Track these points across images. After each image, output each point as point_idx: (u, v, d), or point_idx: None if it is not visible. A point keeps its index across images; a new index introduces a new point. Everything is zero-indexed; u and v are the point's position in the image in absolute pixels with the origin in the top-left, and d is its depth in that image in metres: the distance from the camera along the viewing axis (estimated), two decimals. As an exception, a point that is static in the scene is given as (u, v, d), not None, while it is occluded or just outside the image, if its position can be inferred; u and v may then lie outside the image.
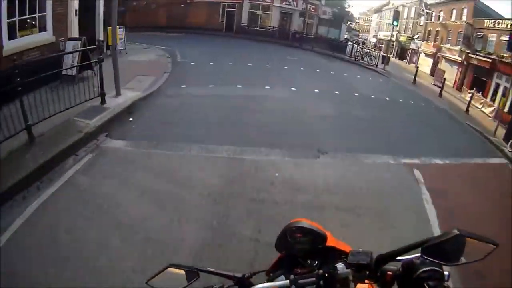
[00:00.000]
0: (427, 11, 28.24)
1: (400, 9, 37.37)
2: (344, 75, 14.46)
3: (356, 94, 10.74)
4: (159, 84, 8.75)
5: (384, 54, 20.83)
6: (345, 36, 31.38)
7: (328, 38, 24.63)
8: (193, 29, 23.60)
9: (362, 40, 35.52)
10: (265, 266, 1.29)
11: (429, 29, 27.84)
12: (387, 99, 11.20)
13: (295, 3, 25.60)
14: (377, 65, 19.81)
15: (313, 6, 26.85)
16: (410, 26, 31.76)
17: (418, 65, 21.34)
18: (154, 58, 12.50)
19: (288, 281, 1.00)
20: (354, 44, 23.02)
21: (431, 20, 27.95)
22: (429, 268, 0.88)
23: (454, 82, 21.41)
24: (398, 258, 0.94)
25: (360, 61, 20.42)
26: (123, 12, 32.76)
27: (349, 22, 31.35)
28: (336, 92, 10.42)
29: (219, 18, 24.98)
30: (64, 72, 7.36)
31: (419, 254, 0.89)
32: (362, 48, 22.24)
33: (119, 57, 12.05)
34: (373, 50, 23.75)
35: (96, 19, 11.00)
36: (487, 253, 0.85)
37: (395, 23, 21.61)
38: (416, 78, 17.48)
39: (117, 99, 6.79)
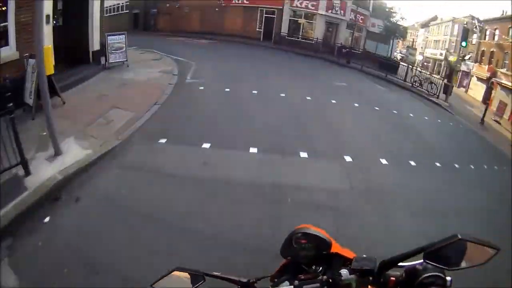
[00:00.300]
0: (480, 27, 24.38)
1: (449, 24, 33.36)
2: (410, 115, 11.14)
3: (457, 166, 7.44)
4: (131, 131, 5.85)
5: (448, 83, 17.39)
6: (397, 54, 27.95)
7: (378, 56, 21.43)
8: (227, 37, 21.51)
9: (415, 59, 31.72)
10: (270, 272, 1.24)
11: (482, 49, 24.05)
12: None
13: (342, 11, 22.67)
14: (438, 95, 16.52)
15: (362, 17, 23.75)
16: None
17: (487, 102, 17.87)
18: (156, 75, 10.00)
19: (292, 286, 1.02)
20: (410, 66, 19.72)
21: (484, 38, 24.07)
22: (431, 274, 0.88)
23: (510, 115, 18.26)
24: (401, 264, 0.94)
25: (418, 87, 17.21)
26: (154, 15, 31.29)
27: (399, 38, 27.78)
28: (412, 163, 6.65)
29: (256, 25, 22.61)
30: (26, 100, 5.85)
31: (421, 261, 0.89)
32: (420, 72, 18.96)
33: (115, 73, 9.63)
34: (434, 76, 20.33)
35: (89, 25, 8.93)
36: (489, 257, 0.84)
37: (463, 43, 18.14)
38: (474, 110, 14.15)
39: (52, 165, 4.38)
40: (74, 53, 8.50)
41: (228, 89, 9.32)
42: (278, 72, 13.37)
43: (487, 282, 3.02)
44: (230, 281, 1.06)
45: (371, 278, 0.96)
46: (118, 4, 42.59)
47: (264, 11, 22.05)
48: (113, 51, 9.84)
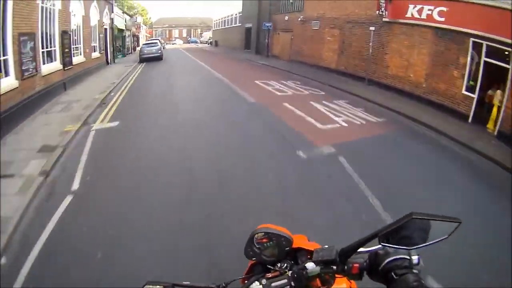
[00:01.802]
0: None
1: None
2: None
3: None
4: None
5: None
6: None
7: None
8: (389, 89, 11.42)
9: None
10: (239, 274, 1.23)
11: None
12: None
13: None
14: None
15: None
16: None
17: None
18: None
19: (261, 286, 1.03)
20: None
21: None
22: (393, 257, 0.88)
23: None
24: (363, 249, 0.94)
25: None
26: (268, 31, 21.68)
27: None
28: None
29: (458, 74, 9.30)
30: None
31: (379, 246, 0.90)
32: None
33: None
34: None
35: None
36: (451, 230, 0.84)
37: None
38: None
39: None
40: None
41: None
42: None
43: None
44: None
45: (335, 267, 0.96)
46: (231, 16, 37.33)
47: (483, 49, 8.32)
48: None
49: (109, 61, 20.26)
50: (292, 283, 1.00)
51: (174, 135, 6.70)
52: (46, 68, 9.30)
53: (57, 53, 10.46)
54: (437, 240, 0.85)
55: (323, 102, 9.67)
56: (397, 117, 8.82)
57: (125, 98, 10.36)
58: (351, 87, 11.98)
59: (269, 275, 1.07)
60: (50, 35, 9.86)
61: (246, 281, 1.12)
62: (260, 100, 9.76)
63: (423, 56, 10.33)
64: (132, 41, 31.45)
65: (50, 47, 9.93)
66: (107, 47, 20.47)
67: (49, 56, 9.87)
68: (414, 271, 0.85)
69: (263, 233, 1.14)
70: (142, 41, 30.48)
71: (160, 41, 28.08)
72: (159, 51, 21.79)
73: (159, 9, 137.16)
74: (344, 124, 7.67)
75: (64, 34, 10.94)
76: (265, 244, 1.13)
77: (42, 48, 9.08)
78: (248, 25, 26.83)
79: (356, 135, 6.92)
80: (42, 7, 8.99)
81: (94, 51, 16.93)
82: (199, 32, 71.92)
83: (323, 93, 11.20)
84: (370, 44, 12.19)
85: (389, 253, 0.89)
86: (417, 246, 0.85)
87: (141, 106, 9.42)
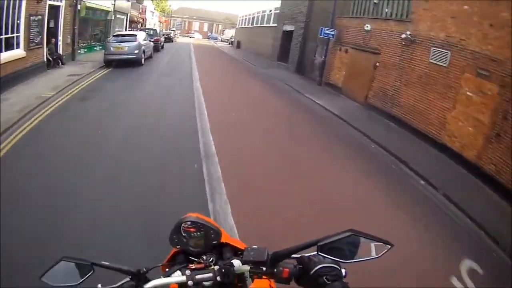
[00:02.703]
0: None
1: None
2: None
3: None
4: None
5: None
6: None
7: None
8: None
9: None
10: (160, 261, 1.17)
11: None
12: None
13: None
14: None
15: None
16: None
17: None
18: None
19: (184, 276, 1.01)
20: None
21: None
22: (326, 265, 0.91)
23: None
24: (294, 256, 0.96)
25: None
26: (324, 46, 8.01)
27: None
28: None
29: None
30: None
31: (315, 253, 0.90)
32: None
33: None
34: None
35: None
36: (383, 252, 0.87)
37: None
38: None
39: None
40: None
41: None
42: None
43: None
44: (120, 271, 1.01)
45: (264, 268, 0.96)
46: (262, 12, 28.78)
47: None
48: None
49: (60, 61, 11.98)
50: (218, 278, 0.99)
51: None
52: None
53: None
54: (369, 258, 0.88)
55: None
56: None
57: None
58: None
59: (193, 266, 1.05)
60: None
61: (167, 269, 1.10)
62: None
63: None
64: (127, 28, 23.13)
65: None
66: (58, 38, 12.26)
67: None
68: (344, 281, 0.90)
69: (191, 222, 1.10)
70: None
71: (150, 34, 19.83)
72: (136, 52, 13.06)
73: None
74: None
75: None
76: (192, 234, 1.10)
77: None
78: (288, 27, 18.24)
79: None
80: None
81: (12, 47, 8.85)
82: (220, 28, 63.67)
83: None
84: None
85: (321, 260, 0.92)
86: (352, 260, 0.88)
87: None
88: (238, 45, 31.46)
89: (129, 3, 23.38)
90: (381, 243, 0.87)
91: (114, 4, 19.39)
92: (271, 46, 21.07)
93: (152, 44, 17.11)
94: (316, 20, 14.54)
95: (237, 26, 34.42)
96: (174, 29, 50.17)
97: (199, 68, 15.38)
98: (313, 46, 14.96)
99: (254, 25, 26.49)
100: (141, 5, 28.21)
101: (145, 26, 29.40)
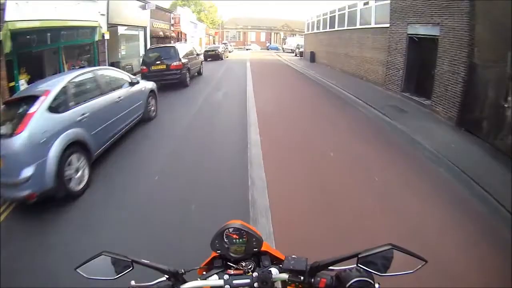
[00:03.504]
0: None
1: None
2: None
3: None
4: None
5: None
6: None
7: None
8: None
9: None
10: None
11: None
12: None
13: None
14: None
15: None
16: None
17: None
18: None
19: (222, 280, 1.01)
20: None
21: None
22: (361, 278, 0.92)
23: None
24: (332, 268, 0.97)
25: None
26: None
27: None
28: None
29: None
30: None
31: (352, 266, 0.93)
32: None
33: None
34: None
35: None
36: (418, 267, 0.89)
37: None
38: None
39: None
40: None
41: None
42: None
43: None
44: (159, 270, 1.01)
45: (302, 278, 0.97)
46: (352, 7, 12.82)
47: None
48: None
49: None
50: (255, 284, 1.00)
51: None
52: None
53: None
54: (404, 273, 0.90)
55: None
56: None
57: None
58: None
59: (231, 271, 1.06)
60: None
61: (204, 272, 1.14)
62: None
63: None
64: (146, 46, 15.29)
65: None
66: None
67: None
68: None
69: (235, 229, 1.12)
70: (187, 47, 13.36)
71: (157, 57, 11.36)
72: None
73: (231, 9, 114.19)
74: None
75: None
76: (234, 240, 1.11)
77: None
78: (422, 30, 8.08)
79: None
80: None
81: None
82: (281, 37, 54.85)
83: None
84: None
85: (357, 275, 0.92)
86: (389, 274, 0.89)
87: None
88: (312, 58, 21.64)
89: (147, 11, 15.65)
90: (417, 257, 0.88)
91: (108, 14, 11.57)
92: (380, 62, 11.03)
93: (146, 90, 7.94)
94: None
95: (306, 32, 24.53)
96: (226, 42, 42.78)
97: (264, 128, 6.61)
98: (495, 76, 4.74)
99: (338, 28, 16.53)
100: (172, 14, 20.66)
101: (181, 41, 21.78)
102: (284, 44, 45.79)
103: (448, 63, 7.07)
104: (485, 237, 3.14)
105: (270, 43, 54.12)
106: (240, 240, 1.10)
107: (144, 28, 15.94)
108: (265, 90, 11.39)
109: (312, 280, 0.97)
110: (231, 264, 1.11)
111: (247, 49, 47.57)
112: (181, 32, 23.15)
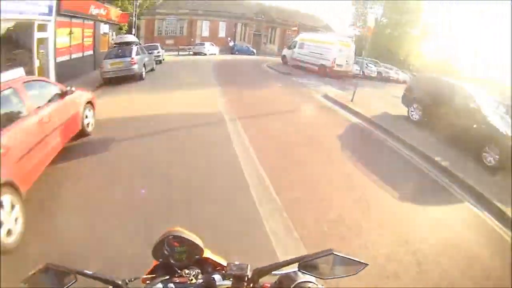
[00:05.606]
0: None
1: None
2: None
3: None
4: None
5: None
6: None
7: None
8: None
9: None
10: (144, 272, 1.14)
11: None
12: None
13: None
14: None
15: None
16: None
17: None
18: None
19: None
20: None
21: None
22: (305, 280, 0.94)
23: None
24: (275, 272, 0.98)
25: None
26: None
27: None
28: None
29: None
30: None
31: (295, 270, 0.94)
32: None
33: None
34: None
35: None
36: (359, 270, 0.91)
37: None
38: None
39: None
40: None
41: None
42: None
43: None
44: (102, 281, 0.99)
45: (245, 284, 0.97)
46: None
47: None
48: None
49: None
50: None
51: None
52: None
53: None
54: (346, 275, 0.92)
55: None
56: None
57: None
58: None
59: (176, 279, 1.04)
60: None
61: (148, 281, 1.08)
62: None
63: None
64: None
65: None
66: None
67: None
68: None
69: (175, 237, 1.10)
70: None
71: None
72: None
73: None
74: None
75: None
76: (175, 248, 1.10)
77: None
78: None
79: None
80: None
81: None
82: (263, 33, 33.54)
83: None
84: None
85: (300, 277, 0.95)
86: (330, 277, 0.91)
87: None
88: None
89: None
90: (358, 262, 0.91)
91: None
92: None
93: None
94: None
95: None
96: (134, 35, 18.61)
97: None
98: None
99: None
100: None
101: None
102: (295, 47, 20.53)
103: None
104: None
105: (235, 42, 32.59)
106: (181, 248, 1.09)
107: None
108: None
109: (256, 285, 0.97)
110: (176, 271, 1.08)
111: (194, 53, 25.68)
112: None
